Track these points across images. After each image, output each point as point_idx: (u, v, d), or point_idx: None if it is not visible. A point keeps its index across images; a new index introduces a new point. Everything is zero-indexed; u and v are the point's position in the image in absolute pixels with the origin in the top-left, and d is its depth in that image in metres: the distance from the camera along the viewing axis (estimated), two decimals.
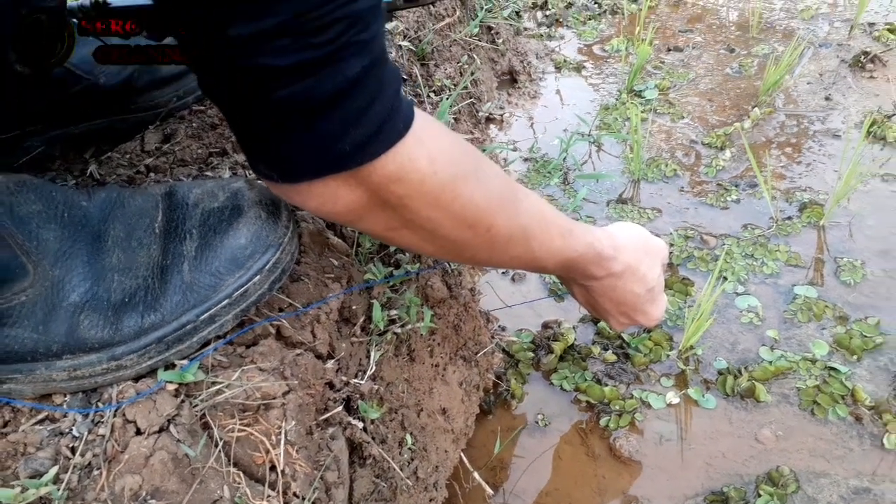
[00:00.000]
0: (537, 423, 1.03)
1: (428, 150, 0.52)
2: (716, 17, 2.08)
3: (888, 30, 1.87)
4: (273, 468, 0.58)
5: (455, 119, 1.40)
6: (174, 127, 0.90)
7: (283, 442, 0.58)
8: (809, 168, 1.46)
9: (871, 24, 1.93)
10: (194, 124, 0.91)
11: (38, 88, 0.79)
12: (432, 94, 1.35)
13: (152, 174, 0.83)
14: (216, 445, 0.56)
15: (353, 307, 0.75)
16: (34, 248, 0.53)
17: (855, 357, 1.07)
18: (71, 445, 0.52)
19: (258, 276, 0.58)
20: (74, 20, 0.75)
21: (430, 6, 1.48)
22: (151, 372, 0.57)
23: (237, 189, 0.61)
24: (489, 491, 0.93)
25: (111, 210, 0.58)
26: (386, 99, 0.48)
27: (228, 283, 0.57)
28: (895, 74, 1.72)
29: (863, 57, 1.76)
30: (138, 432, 0.53)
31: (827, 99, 1.66)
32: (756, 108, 1.62)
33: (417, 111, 0.52)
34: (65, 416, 0.54)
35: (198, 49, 0.45)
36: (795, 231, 1.30)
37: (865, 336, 1.09)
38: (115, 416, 0.54)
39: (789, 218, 1.34)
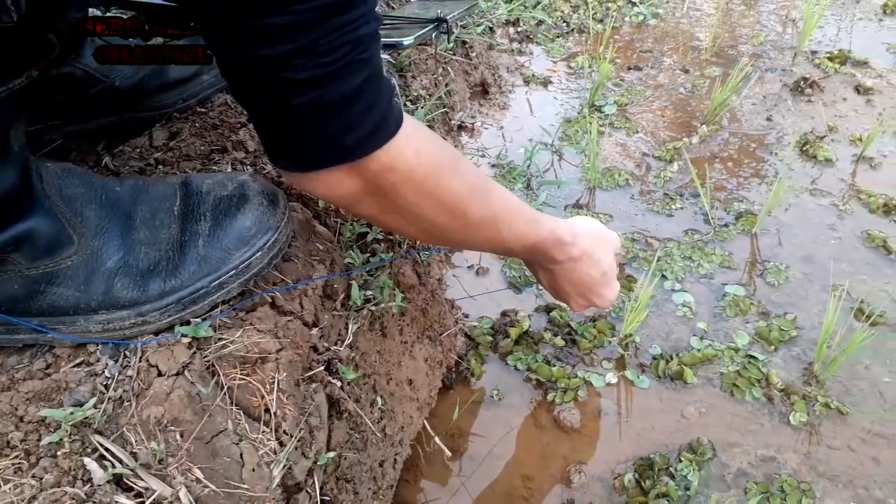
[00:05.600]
0: (493, 397, 1.16)
1: (415, 145, 0.65)
2: (674, 40, 2.24)
3: (828, 58, 2.04)
4: (267, 410, 0.70)
5: (430, 126, 1.53)
6: (179, 126, 1.02)
7: (275, 390, 0.71)
8: (747, 181, 1.62)
9: (814, 52, 2.10)
10: (197, 124, 1.03)
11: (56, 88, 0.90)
12: (409, 104, 1.48)
13: (161, 167, 0.95)
14: (221, 389, 0.68)
15: (335, 286, 0.88)
16: (78, 223, 0.65)
17: (772, 347, 1.22)
18: (105, 383, 0.65)
19: (259, 252, 0.71)
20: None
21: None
22: (169, 328, 0.69)
23: (243, 181, 0.74)
24: (448, 453, 1.06)
25: (138, 195, 0.71)
26: (381, 105, 0.61)
27: (235, 257, 0.70)
28: (830, 99, 1.90)
29: (802, 82, 1.93)
30: (159, 374, 0.66)
31: (768, 119, 1.83)
32: (704, 126, 1.78)
33: (406, 116, 0.65)
34: (98, 361, 0.67)
35: (231, 65, 0.58)
36: (731, 237, 1.46)
37: (783, 329, 1.24)
38: (140, 360, 0.66)
39: (726, 225, 1.49)
